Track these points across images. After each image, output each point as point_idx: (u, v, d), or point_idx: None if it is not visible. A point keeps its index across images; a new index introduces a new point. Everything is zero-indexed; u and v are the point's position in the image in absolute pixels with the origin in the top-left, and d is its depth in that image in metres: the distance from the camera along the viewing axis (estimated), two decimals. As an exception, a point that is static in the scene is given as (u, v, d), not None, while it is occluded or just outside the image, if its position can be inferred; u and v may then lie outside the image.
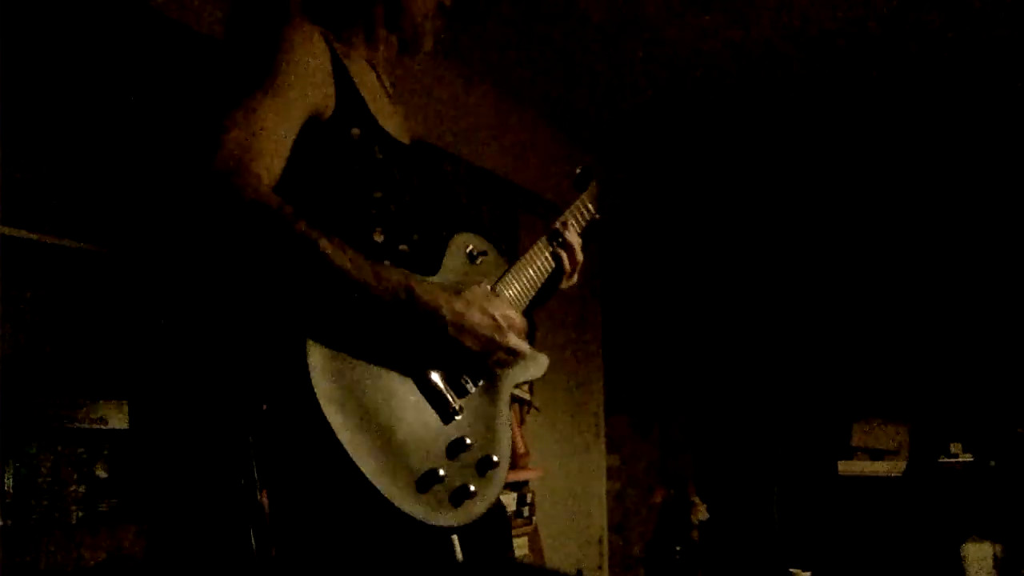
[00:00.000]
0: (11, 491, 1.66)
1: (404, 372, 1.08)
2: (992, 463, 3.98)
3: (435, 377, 1.10)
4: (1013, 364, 4.18)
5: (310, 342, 0.99)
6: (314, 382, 0.97)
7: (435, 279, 1.15)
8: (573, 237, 1.42)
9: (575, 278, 1.46)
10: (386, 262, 1.07)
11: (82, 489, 1.77)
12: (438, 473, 1.04)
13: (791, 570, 4.07)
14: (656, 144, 4.27)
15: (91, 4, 1.95)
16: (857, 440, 4.41)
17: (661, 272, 4.88)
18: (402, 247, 1.16)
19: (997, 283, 4.35)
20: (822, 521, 4.39)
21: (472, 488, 1.08)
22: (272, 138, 1.03)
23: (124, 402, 1.86)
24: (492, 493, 1.15)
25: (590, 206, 1.53)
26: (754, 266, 5.04)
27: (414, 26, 1.32)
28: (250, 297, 1.06)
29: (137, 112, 1.99)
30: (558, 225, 1.43)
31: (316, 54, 1.13)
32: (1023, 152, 4.09)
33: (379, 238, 1.14)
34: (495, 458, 1.14)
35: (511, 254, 1.36)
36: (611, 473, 4.29)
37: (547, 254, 1.39)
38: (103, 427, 1.81)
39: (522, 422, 3.34)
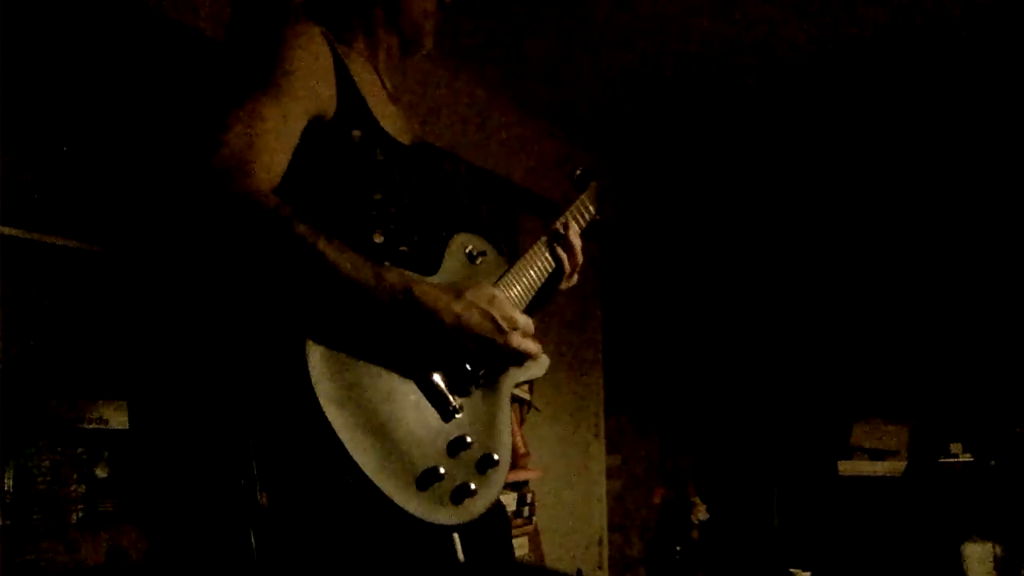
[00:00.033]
0: (11, 491, 1.66)
1: (404, 371, 1.08)
2: (992, 463, 3.98)
3: (435, 377, 1.10)
4: (1013, 364, 4.18)
5: (310, 342, 0.99)
6: (314, 381, 0.97)
7: (435, 280, 1.15)
8: (574, 237, 1.42)
9: (575, 279, 1.46)
10: (386, 263, 1.07)
11: (82, 489, 1.77)
12: (438, 471, 1.05)
13: (791, 570, 4.07)
14: (657, 144, 4.27)
15: (91, 4, 1.95)
16: (857, 440, 4.41)
17: (661, 272, 4.88)
18: (402, 248, 1.16)
19: (997, 283, 4.35)
20: (822, 521, 4.39)
21: (472, 486, 1.08)
22: (273, 138, 1.03)
23: (124, 402, 1.86)
24: (492, 491, 1.15)
25: (590, 207, 1.53)
26: (754, 266, 5.04)
27: (414, 26, 1.32)
28: (250, 297, 1.06)
29: (137, 112, 1.99)
30: (558, 225, 1.43)
31: (318, 55, 1.13)
32: (1022, 152, 4.10)
33: (379, 239, 1.14)
34: (495, 457, 1.14)
35: (511, 254, 1.36)
36: (611, 473, 4.29)
37: (547, 255, 1.39)
38: (103, 427, 1.81)
39: (522, 422, 3.34)
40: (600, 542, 4.19)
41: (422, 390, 1.09)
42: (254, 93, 1.04)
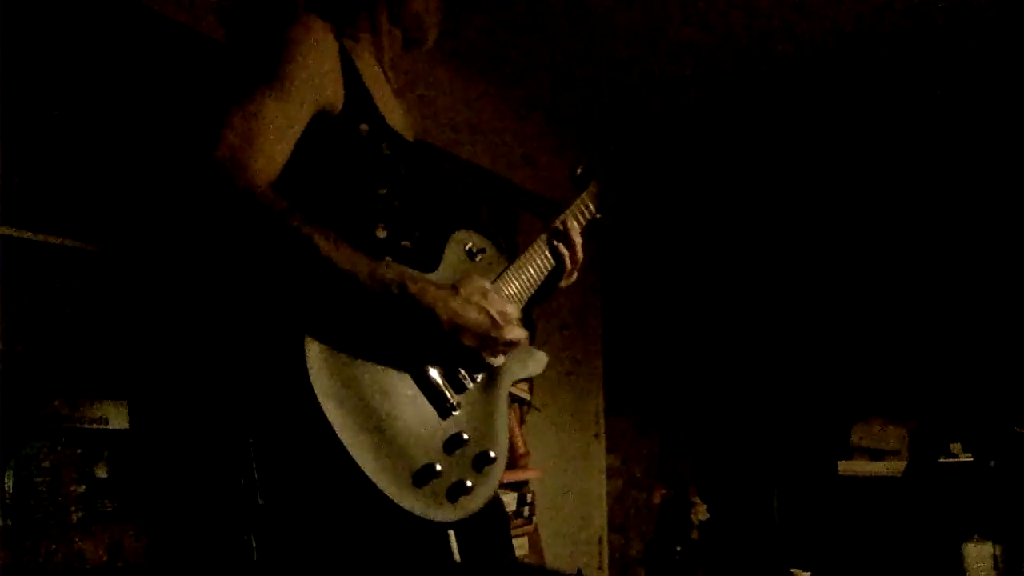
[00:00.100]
0: (11, 491, 1.65)
1: (402, 368, 1.08)
2: (992, 463, 3.98)
3: (433, 373, 1.10)
4: (1013, 364, 4.18)
5: (308, 339, 0.99)
6: (312, 379, 0.97)
7: (434, 276, 1.16)
8: (574, 235, 1.42)
9: (574, 276, 1.46)
10: (387, 259, 1.08)
11: (82, 489, 1.77)
12: (435, 468, 1.05)
13: (791, 570, 4.07)
14: (657, 144, 4.27)
15: (91, 4, 1.95)
16: (857, 440, 4.41)
17: (661, 272, 4.88)
18: (404, 243, 1.17)
19: (997, 283, 4.35)
20: (822, 521, 4.39)
21: (469, 483, 1.09)
22: (273, 132, 1.03)
23: (124, 402, 1.86)
24: (489, 488, 1.15)
25: (590, 205, 1.54)
26: (754, 266, 5.04)
27: (417, 21, 1.33)
28: (248, 294, 1.07)
29: (137, 112, 1.99)
30: (558, 223, 1.43)
31: (324, 50, 1.13)
32: (1022, 152, 4.09)
33: (382, 234, 1.15)
34: (492, 454, 1.15)
35: (511, 253, 1.36)
36: (611, 473, 4.29)
37: (547, 252, 1.40)
38: (103, 427, 1.81)
39: (522, 422, 3.34)
40: (600, 542, 4.19)
41: (419, 387, 1.09)
42: (257, 87, 1.04)
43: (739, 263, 5.08)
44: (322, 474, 1.00)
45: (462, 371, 1.15)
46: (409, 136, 1.30)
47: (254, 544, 1.05)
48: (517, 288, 1.30)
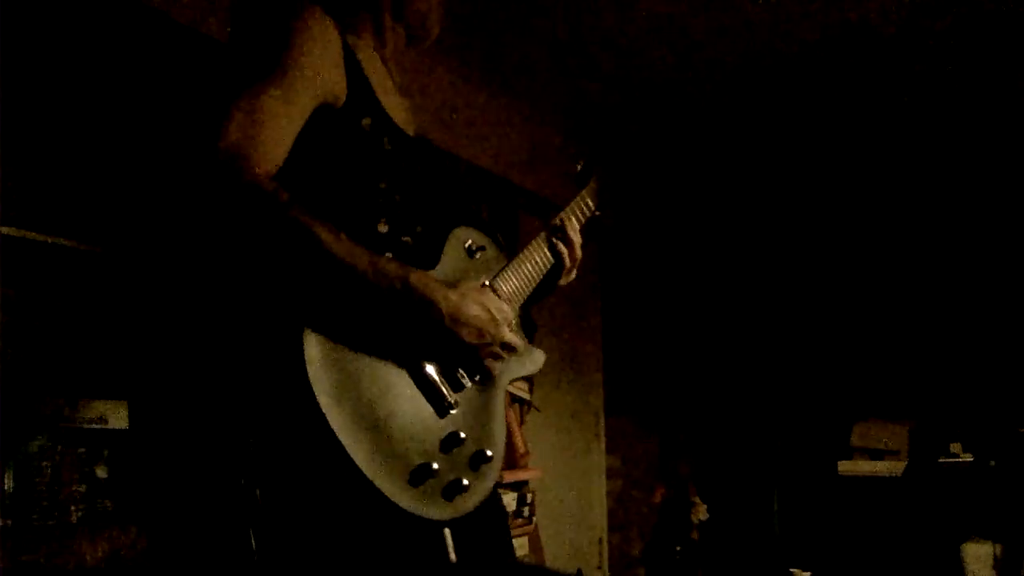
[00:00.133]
0: (11, 491, 1.66)
1: (400, 365, 1.08)
2: (992, 463, 3.97)
3: (431, 371, 1.10)
4: (1013, 364, 4.18)
5: (307, 335, 0.99)
6: (311, 376, 0.97)
7: (433, 273, 1.16)
8: (573, 233, 1.42)
9: (574, 274, 1.46)
10: (387, 254, 1.08)
11: (82, 489, 1.77)
12: (431, 467, 1.05)
13: (791, 570, 4.07)
14: (657, 143, 4.26)
15: (91, 4, 1.95)
16: (857, 440, 4.40)
17: (661, 272, 4.88)
18: (405, 239, 1.17)
19: (997, 283, 4.35)
20: (822, 521, 4.39)
21: (465, 482, 1.09)
22: (276, 125, 1.03)
23: (124, 402, 1.86)
24: (485, 487, 1.15)
25: (590, 202, 1.54)
26: (754, 266, 5.04)
27: (420, 17, 1.33)
28: (248, 291, 1.07)
29: (137, 112, 1.99)
30: (557, 221, 1.43)
31: (328, 42, 1.13)
32: (1022, 152, 4.09)
33: (383, 228, 1.15)
34: (488, 452, 1.15)
35: (510, 251, 1.37)
36: (611, 473, 4.29)
37: (546, 250, 1.40)
38: (103, 427, 1.81)
39: (522, 422, 3.34)
40: (600, 542, 4.19)
41: (418, 384, 1.09)
42: (260, 79, 1.04)
43: (739, 263, 5.07)
44: (320, 473, 1.00)
45: (460, 370, 1.16)
46: (411, 131, 1.30)
47: (254, 544, 1.05)
48: (515, 285, 1.30)
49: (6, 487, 1.65)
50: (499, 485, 2.96)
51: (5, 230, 1.71)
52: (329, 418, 0.97)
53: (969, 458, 4.08)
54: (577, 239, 1.43)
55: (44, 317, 1.79)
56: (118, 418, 1.84)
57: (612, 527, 4.25)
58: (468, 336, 1.10)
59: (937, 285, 4.51)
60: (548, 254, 1.40)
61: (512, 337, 1.17)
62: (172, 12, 2.12)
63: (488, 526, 1.26)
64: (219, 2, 2.21)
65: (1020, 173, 4.21)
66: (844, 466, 4.37)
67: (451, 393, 1.12)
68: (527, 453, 3.13)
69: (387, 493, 1.00)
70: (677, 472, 4.74)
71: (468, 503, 1.11)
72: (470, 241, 1.27)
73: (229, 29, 1.14)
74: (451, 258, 1.22)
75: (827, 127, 4.02)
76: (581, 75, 3.48)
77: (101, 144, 1.93)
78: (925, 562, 3.91)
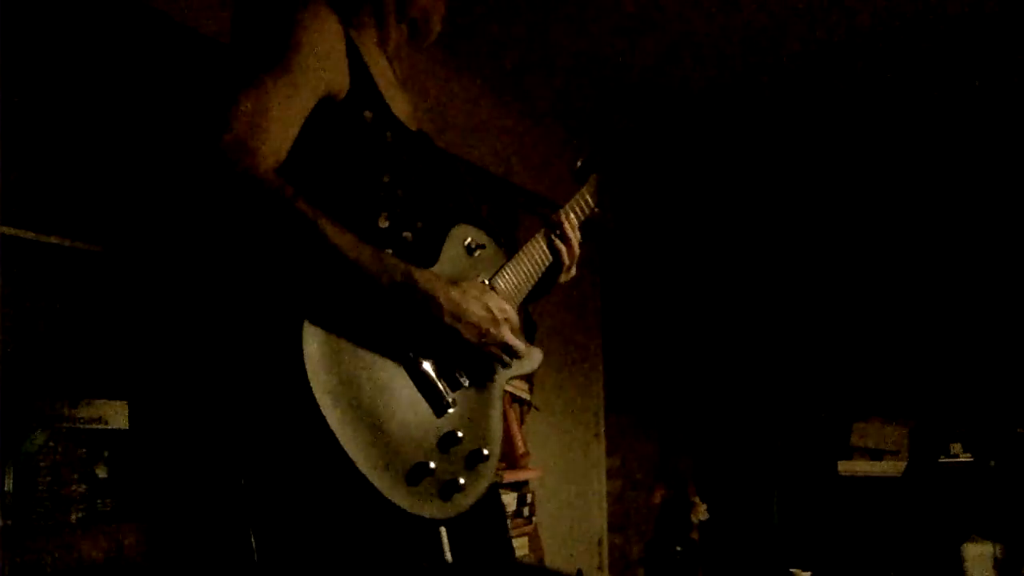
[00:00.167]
0: (11, 491, 1.66)
1: (399, 364, 1.08)
2: (992, 463, 3.98)
3: (429, 370, 1.10)
4: (1013, 364, 4.18)
5: (307, 333, 0.99)
6: (310, 374, 0.97)
7: (433, 270, 1.15)
8: (571, 230, 1.42)
9: (573, 271, 1.46)
10: (388, 250, 1.08)
11: (82, 489, 1.77)
12: (428, 466, 1.05)
13: (791, 570, 4.07)
14: (657, 143, 4.26)
15: (90, 3, 1.95)
16: (857, 440, 4.41)
17: (661, 272, 4.88)
18: (406, 234, 1.17)
19: (997, 283, 4.35)
20: (822, 521, 4.39)
21: (461, 481, 1.09)
22: (281, 117, 1.03)
23: (124, 402, 1.86)
24: (481, 486, 1.15)
25: (589, 199, 1.53)
26: (754, 266, 5.04)
27: (423, 14, 1.33)
28: (247, 290, 1.06)
29: (137, 112, 1.99)
30: (556, 218, 1.43)
31: (331, 36, 1.13)
32: (1022, 152, 4.09)
33: (384, 224, 1.15)
34: (485, 451, 1.15)
35: (510, 249, 1.36)
36: (611, 473, 4.29)
37: (545, 247, 1.40)
38: (103, 427, 1.81)
39: (522, 422, 3.34)
40: (600, 542, 4.19)
41: (416, 383, 1.09)
42: (264, 70, 1.04)
43: (739, 263, 5.08)
44: (318, 471, 1.00)
45: (459, 368, 1.15)
46: (412, 126, 1.30)
47: (254, 543, 1.05)
48: (514, 283, 1.30)
49: (6, 487, 1.65)
50: (499, 485, 2.97)
51: (5, 230, 1.71)
52: (327, 416, 0.97)
53: (969, 458, 4.08)
54: (575, 236, 1.43)
55: (44, 317, 1.79)
56: (118, 418, 1.84)
57: (612, 527, 4.25)
58: (468, 335, 1.11)
59: (937, 285, 4.51)
60: (547, 252, 1.40)
61: (514, 338, 1.17)
62: (173, 12, 2.12)
63: (486, 525, 1.25)
64: (217, 1, 2.21)
65: (1019, 174, 4.21)
66: (844, 466, 4.37)
67: (449, 392, 1.12)
68: (527, 453, 3.13)
69: (384, 492, 1.00)
70: (677, 472, 4.74)
71: (464, 502, 1.11)
72: (470, 239, 1.26)
73: (232, 22, 1.13)
74: (450, 255, 1.22)
75: (827, 128, 4.03)
76: (582, 75, 3.48)
77: (100, 144, 1.93)
78: (925, 562, 3.91)
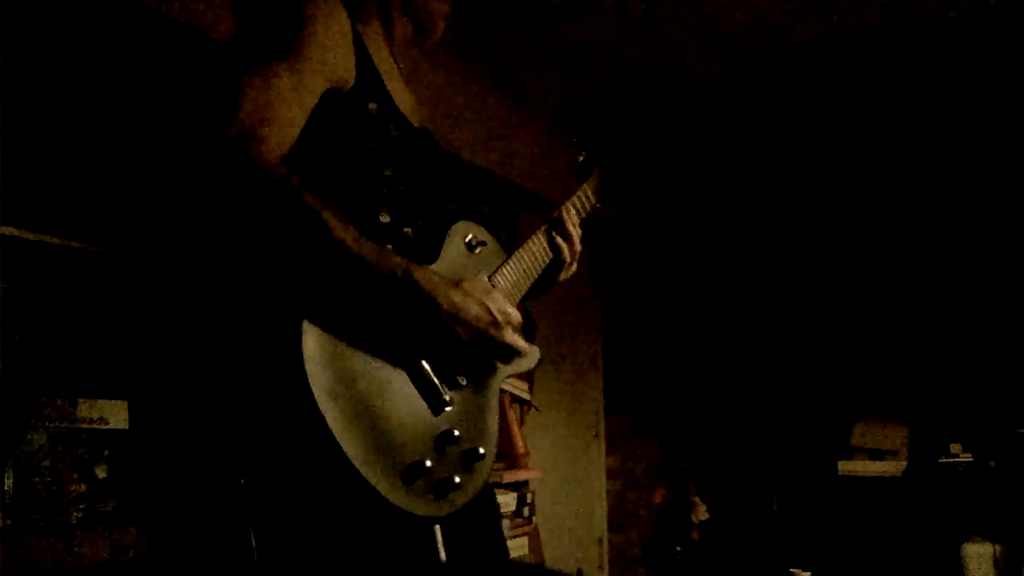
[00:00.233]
0: (11, 491, 1.65)
1: (397, 362, 1.08)
2: (992, 463, 3.98)
3: (427, 368, 1.10)
4: (1013, 364, 4.18)
5: (305, 331, 0.99)
6: (308, 372, 0.97)
7: (433, 267, 1.15)
8: (572, 227, 1.42)
9: (574, 267, 1.46)
10: (388, 246, 1.08)
11: (82, 489, 1.77)
12: (424, 465, 1.05)
13: (791, 570, 4.07)
14: (657, 143, 4.26)
15: (90, 3, 1.95)
16: (857, 440, 4.41)
17: (661, 272, 4.88)
18: (406, 230, 1.17)
19: (997, 283, 4.35)
20: (822, 521, 4.39)
21: (456, 480, 1.09)
22: (286, 108, 1.03)
23: (124, 402, 1.86)
24: (476, 484, 1.15)
25: (591, 195, 1.53)
26: (754, 266, 5.04)
27: (427, 13, 1.34)
28: (247, 287, 1.06)
29: (137, 112, 1.99)
30: (557, 214, 1.43)
31: (338, 27, 1.13)
32: (1022, 152, 4.09)
33: (385, 219, 1.14)
34: (481, 450, 1.15)
35: (511, 247, 1.36)
36: (611, 473, 4.29)
37: (545, 244, 1.40)
38: (103, 427, 1.81)
39: (522, 422, 3.34)
40: (600, 542, 4.19)
41: (414, 382, 1.09)
42: (272, 60, 1.04)
43: (739, 263, 5.08)
44: (315, 469, 1.00)
45: (456, 368, 1.15)
46: (416, 122, 1.30)
47: (254, 543, 1.05)
48: (514, 281, 1.30)
49: (6, 487, 1.65)
50: (499, 485, 2.97)
51: (5, 230, 1.71)
52: (325, 414, 0.97)
53: (969, 458, 4.08)
54: (576, 233, 1.43)
55: (44, 317, 1.78)
56: (118, 418, 1.84)
57: (612, 527, 4.25)
58: (466, 335, 1.10)
59: (937, 286, 4.51)
60: (547, 248, 1.39)
61: (515, 339, 1.16)
62: (174, 12, 2.12)
63: (481, 525, 1.26)
64: (216, 1, 2.21)
65: (1019, 174, 4.21)
66: (844, 466, 4.37)
67: (446, 391, 1.12)
68: (527, 453, 3.13)
69: (380, 490, 1.00)
70: (677, 472, 4.74)
71: (459, 501, 1.11)
72: (471, 235, 1.26)
73: (239, 13, 1.13)
74: (451, 253, 1.22)
75: (827, 128, 4.02)
76: (582, 75, 3.48)
77: (100, 144, 1.93)
78: (925, 562, 3.91)
